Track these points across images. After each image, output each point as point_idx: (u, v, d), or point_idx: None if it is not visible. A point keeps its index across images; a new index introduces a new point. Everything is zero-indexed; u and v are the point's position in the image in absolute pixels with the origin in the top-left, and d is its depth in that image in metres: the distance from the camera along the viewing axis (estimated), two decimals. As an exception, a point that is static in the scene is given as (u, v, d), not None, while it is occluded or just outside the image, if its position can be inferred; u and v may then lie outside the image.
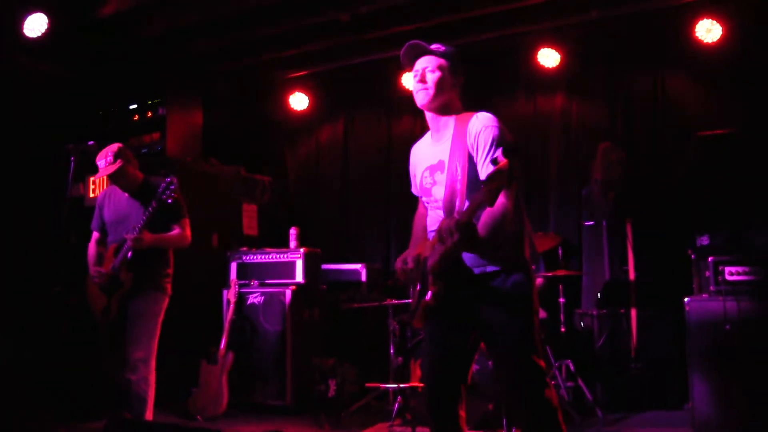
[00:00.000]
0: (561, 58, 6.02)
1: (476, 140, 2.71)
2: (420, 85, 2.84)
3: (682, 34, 5.63)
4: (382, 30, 5.97)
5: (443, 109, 2.86)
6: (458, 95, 2.90)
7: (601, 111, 6.10)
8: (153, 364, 4.08)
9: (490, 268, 2.73)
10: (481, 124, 2.73)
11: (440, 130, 2.88)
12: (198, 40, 6.13)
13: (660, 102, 5.88)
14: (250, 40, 6.20)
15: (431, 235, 2.82)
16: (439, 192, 2.81)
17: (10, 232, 5.68)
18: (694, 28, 5.54)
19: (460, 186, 2.63)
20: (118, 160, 4.15)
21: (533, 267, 2.85)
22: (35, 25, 5.35)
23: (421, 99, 2.86)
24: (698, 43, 5.59)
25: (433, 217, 2.88)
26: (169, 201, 4.00)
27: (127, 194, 4.29)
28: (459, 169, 2.71)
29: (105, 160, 4.17)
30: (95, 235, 4.40)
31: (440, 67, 2.84)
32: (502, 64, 6.33)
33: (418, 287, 2.82)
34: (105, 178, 4.43)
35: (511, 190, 2.62)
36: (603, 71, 6.10)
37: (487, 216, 2.63)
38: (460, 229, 2.46)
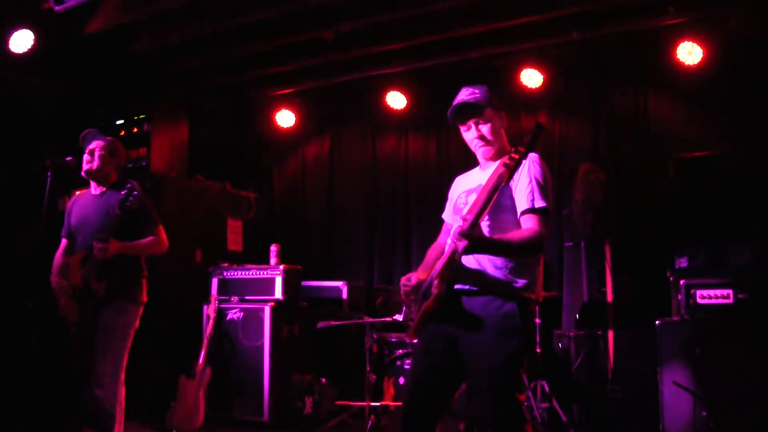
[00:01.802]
0: (544, 78, 6.04)
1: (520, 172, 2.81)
2: (479, 142, 3.00)
3: (664, 56, 5.65)
4: (366, 48, 6.02)
5: (497, 155, 2.99)
6: (505, 129, 3.06)
7: (584, 131, 6.12)
8: (122, 377, 4.01)
9: (485, 295, 2.78)
10: (528, 159, 2.83)
11: (488, 166, 3.01)
12: (184, 57, 6.20)
13: (642, 123, 5.89)
14: (236, 58, 6.26)
15: (446, 249, 2.89)
16: (467, 210, 2.88)
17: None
18: (676, 50, 5.56)
19: (477, 207, 2.67)
20: (106, 145, 4.19)
21: (535, 302, 2.87)
22: (21, 41, 5.41)
23: (483, 154, 3.03)
24: (680, 65, 5.60)
25: (454, 229, 2.93)
26: (133, 207, 3.95)
27: (94, 195, 4.23)
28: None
29: (96, 141, 4.21)
30: (63, 242, 4.33)
31: (487, 117, 2.97)
32: (486, 83, 6.32)
33: (418, 303, 2.88)
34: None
35: (550, 217, 2.77)
36: (586, 92, 6.13)
37: (518, 232, 2.74)
38: (471, 226, 2.54)
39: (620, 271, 5.42)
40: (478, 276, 2.81)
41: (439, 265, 2.78)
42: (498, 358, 2.72)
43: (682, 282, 4.52)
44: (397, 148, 6.98)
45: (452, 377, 2.90)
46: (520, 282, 2.80)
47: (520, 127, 6.34)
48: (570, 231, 5.79)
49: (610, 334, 5.22)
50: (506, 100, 6.22)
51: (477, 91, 2.98)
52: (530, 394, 4.94)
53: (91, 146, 4.23)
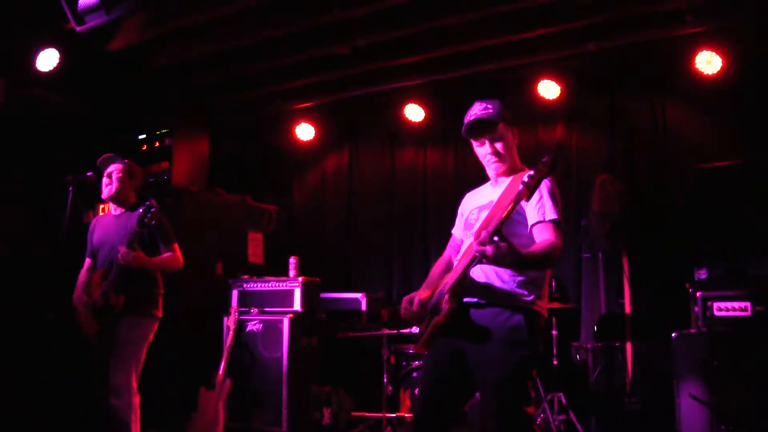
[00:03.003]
0: (561, 89, 6.04)
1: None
2: (492, 158, 3.03)
3: (682, 66, 5.61)
4: (383, 62, 6.06)
5: (509, 171, 3.04)
6: (520, 143, 3.11)
7: (601, 142, 6.11)
8: (135, 387, 4.13)
9: (493, 308, 2.81)
10: None
11: (499, 183, 3.06)
12: (204, 72, 6.30)
13: (660, 133, 5.86)
14: (254, 73, 6.35)
15: (456, 263, 2.95)
16: (479, 225, 2.91)
17: (19, 260, 5.89)
18: (694, 59, 5.53)
19: (497, 219, 2.66)
20: (124, 168, 4.39)
21: (544, 313, 2.90)
22: (48, 59, 5.57)
23: (495, 170, 3.06)
24: (698, 75, 5.57)
25: (465, 245, 3.01)
26: (152, 223, 4.10)
27: (114, 216, 4.42)
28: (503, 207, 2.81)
29: (114, 165, 4.41)
30: (87, 262, 4.53)
31: (500, 133, 3.00)
32: (503, 95, 6.26)
33: (427, 318, 2.91)
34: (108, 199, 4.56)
35: (562, 230, 2.79)
36: (603, 102, 6.12)
37: (536, 245, 2.74)
38: (490, 237, 2.52)
39: (638, 282, 5.39)
40: (486, 289, 2.84)
41: (450, 279, 2.81)
42: (505, 369, 2.74)
43: (698, 294, 4.48)
44: (415, 160, 7.02)
45: (461, 389, 2.93)
46: (528, 295, 2.82)
47: (538, 139, 6.36)
48: (587, 242, 5.76)
49: (628, 346, 5.18)
50: (523, 111, 6.33)
51: (490, 106, 3.00)
52: (547, 406, 4.93)
53: (109, 170, 4.41)
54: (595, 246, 5.65)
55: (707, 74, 5.54)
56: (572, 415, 4.91)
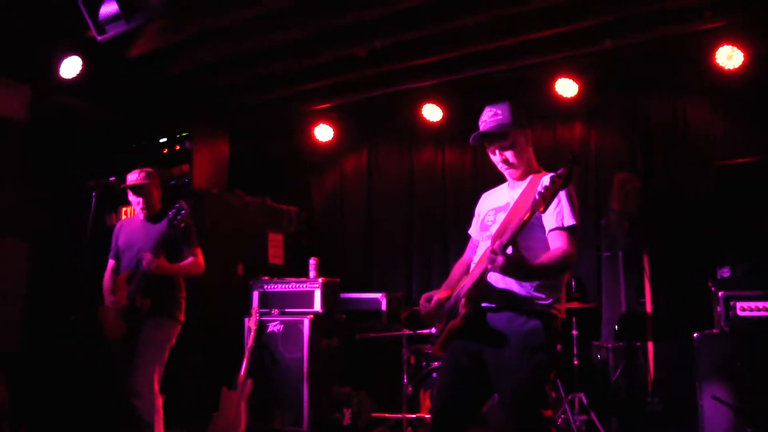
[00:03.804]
0: (579, 87, 6.00)
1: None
2: (503, 166, 3.03)
3: (703, 61, 5.54)
4: (401, 63, 6.07)
5: (524, 174, 3.03)
6: (532, 147, 3.09)
7: (620, 140, 6.05)
8: (157, 388, 4.21)
9: (510, 312, 2.81)
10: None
11: (516, 185, 3.05)
12: (222, 75, 6.34)
13: (680, 130, 5.80)
14: (272, 75, 6.38)
15: (473, 267, 2.96)
16: (495, 228, 2.93)
17: (46, 263, 6.01)
18: (715, 54, 5.45)
19: (512, 229, 2.66)
20: (146, 177, 4.49)
21: (561, 316, 2.90)
22: (71, 67, 5.67)
23: (510, 175, 3.06)
24: (719, 70, 5.49)
25: (482, 248, 3.02)
26: (182, 225, 4.19)
27: (141, 220, 4.52)
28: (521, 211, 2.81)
29: (135, 174, 4.51)
30: (110, 263, 4.62)
31: (511, 141, 2.98)
32: (520, 94, 6.31)
33: (444, 320, 2.93)
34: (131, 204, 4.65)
35: (577, 235, 2.79)
36: (622, 100, 6.06)
37: (547, 254, 2.75)
38: (503, 248, 2.54)
39: (659, 281, 5.34)
40: (503, 293, 2.84)
41: (467, 283, 2.82)
42: (522, 373, 2.75)
43: (721, 293, 4.43)
44: (434, 160, 7.02)
45: (479, 391, 2.95)
46: (545, 298, 2.82)
47: (556, 137, 6.33)
48: (607, 241, 5.72)
49: (650, 346, 5.15)
50: (542, 110, 6.31)
51: (500, 111, 2.98)
52: (568, 406, 4.91)
53: (133, 185, 4.45)
54: (615, 245, 5.61)
55: (728, 69, 5.47)
56: (593, 416, 4.88)
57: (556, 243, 2.79)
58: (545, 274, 2.75)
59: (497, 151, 3.01)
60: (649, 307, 5.26)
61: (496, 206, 3.07)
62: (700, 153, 5.61)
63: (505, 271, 2.57)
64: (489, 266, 2.60)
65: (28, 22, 5.37)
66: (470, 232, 3.28)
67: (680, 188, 5.66)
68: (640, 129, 5.96)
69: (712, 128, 5.66)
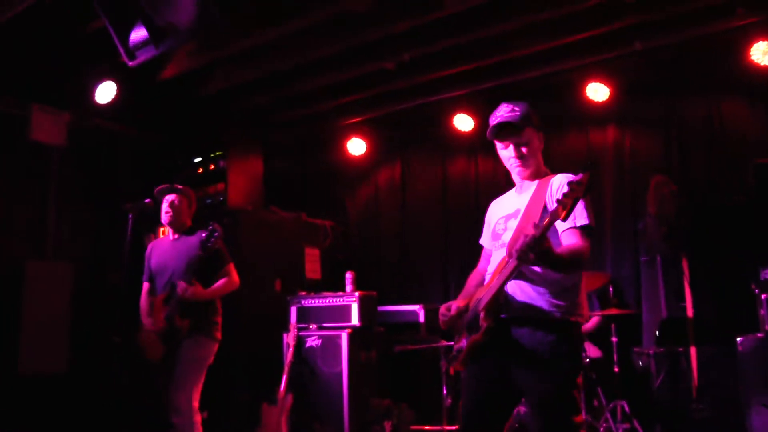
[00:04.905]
0: (610, 91, 5.94)
1: (557, 191, 2.82)
2: (516, 161, 2.99)
3: (736, 59, 5.43)
4: (430, 74, 6.09)
5: (533, 175, 3.01)
6: (541, 152, 3.05)
7: (655, 142, 5.97)
8: (196, 406, 4.28)
9: (530, 324, 2.78)
10: (564, 178, 2.85)
11: (524, 189, 3.02)
12: (254, 94, 6.45)
13: (716, 130, 5.69)
14: (304, 92, 6.47)
15: (488, 278, 2.94)
16: (507, 236, 2.92)
17: (88, 286, 6.16)
18: (749, 51, 5.34)
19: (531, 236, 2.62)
20: (181, 195, 4.59)
21: (582, 321, 2.86)
22: (106, 92, 5.83)
23: (519, 173, 3.03)
24: (755, 67, 5.38)
25: (495, 258, 2.99)
26: (215, 248, 4.27)
27: (171, 240, 4.60)
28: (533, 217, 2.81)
29: (170, 194, 4.61)
30: (145, 286, 4.69)
31: (527, 137, 2.96)
32: (551, 99, 6.27)
33: (463, 333, 2.91)
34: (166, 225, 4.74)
35: (588, 237, 2.76)
36: (655, 102, 5.98)
37: (563, 248, 2.73)
38: (535, 238, 2.49)
39: (700, 285, 5.23)
40: (523, 305, 2.81)
41: (486, 296, 2.80)
42: (548, 385, 2.73)
43: (764, 296, 4.32)
44: (467, 169, 7.01)
45: (505, 404, 2.92)
46: (564, 306, 2.79)
47: (589, 142, 6.28)
48: (645, 245, 5.64)
49: (693, 351, 5.03)
50: (574, 115, 6.27)
51: (517, 108, 2.95)
52: (609, 415, 4.83)
53: (168, 198, 4.56)
54: (653, 249, 5.52)
55: (764, 65, 5.35)
56: (636, 424, 4.79)
57: (571, 240, 2.76)
58: (561, 265, 2.70)
59: (511, 146, 2.96)
60: (690, 312, 5.14)
61: (506, 213, 3.03)
62: (737, 152, 5.50)
63: (538, 259, 2.54)
64: (516, 262, 2.57)
65: (65, 51, 5.55)
66: (482, 241, 3.24)
67: (718, 189, 5.55)
68: (674, 130, 5.87)
69: (750, 126, 5.55)
